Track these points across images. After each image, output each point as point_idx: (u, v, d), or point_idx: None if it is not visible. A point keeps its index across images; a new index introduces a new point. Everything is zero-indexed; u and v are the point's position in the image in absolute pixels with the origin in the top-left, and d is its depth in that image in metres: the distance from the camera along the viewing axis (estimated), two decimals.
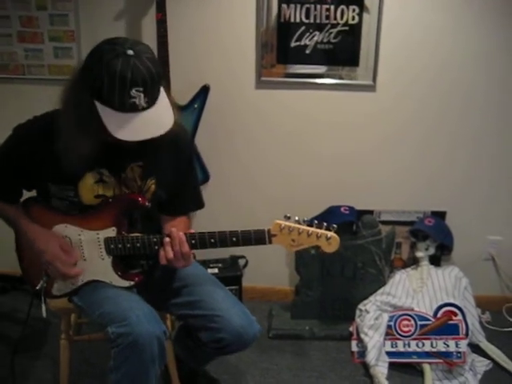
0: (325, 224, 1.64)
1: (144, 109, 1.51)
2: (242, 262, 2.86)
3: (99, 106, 1.50)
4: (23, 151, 1.70)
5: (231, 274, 2.74)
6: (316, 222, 1.64)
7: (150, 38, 2.41)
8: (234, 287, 2.73)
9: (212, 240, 1.68)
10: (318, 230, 1.63)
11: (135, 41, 1.53)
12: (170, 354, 2.12)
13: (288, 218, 1.65)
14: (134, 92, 1.47)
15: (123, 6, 2.51)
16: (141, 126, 1.50)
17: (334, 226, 1.64)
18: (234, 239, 1.67)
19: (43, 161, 1.67)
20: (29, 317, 1.87)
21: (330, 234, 1.62)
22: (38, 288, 1.80)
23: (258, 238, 1.66)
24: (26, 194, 1.86)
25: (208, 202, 2.75)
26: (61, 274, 1.74)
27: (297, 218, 1.65)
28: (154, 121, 1.53)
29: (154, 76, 1.50)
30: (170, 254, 1.67)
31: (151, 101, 1.52)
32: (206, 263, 2.76)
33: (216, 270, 2.73)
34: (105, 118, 1.50)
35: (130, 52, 1.47)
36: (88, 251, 1.77)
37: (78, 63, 1.58)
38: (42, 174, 1.72)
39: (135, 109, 1.49)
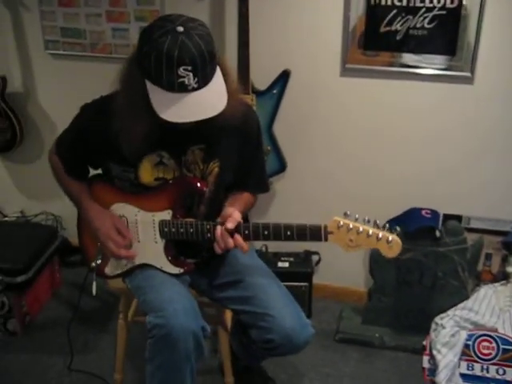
0: (387, 225, 1.51)
1: (194, 89, 1.43)
2: (315, 258, 2.72)
3: (149, 86, 1.46)
4: (87, 130, 1.72)
5: (302, 270, 2.61)
6: (377, 222, 1.51)
7: (231, 19, 2.33)
8: (303, 284, 2.59)
9: (265, 232, 1.60)
10: (379, 232, 1.50)
11: (190, 18, 1.46)
12: (225, 348, 2.07)
13: (347, 216, 1.53)
14: (181, 71, 1.40)
15: None
16: (188, 107, 1.44)
17: (397, 228, 1.52)
18: (289, 233, 1.58)
19: (105, 141, 1.67)
20: (81, 293, 1.91)
21: (391, 236, 1.50)
22: (92, 265, 1.82)
23: (314, 234, 1.57)
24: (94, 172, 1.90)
25: (281, 194, 2.69)
26: (112, 254, 1.75)
27: (357, 216, 1.53)
28: (203, 103, 1.45)
29: (204, 54, 1.42)
30: (219, 251, 1.64)
31: (202, 81, 1.44)
32: (277, 256, 2.66)
33: (287, 264, 2.63)
34: (153, 97, 1.45)
35: (180, 29, 1.40)
36: (143, 233, 1.76)
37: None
38: (105, 154, 1.73)
39: (185, 89, 1.43)
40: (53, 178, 2.97)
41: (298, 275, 2.58)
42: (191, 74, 1.41)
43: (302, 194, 2.66)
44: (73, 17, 2.63)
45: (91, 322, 2.58)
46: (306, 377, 2.29)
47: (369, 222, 1.51)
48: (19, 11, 2.71)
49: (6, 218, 3.09)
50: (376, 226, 1.51)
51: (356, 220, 1.53)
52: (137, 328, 2.13)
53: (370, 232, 1.50)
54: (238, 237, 1.60)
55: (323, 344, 2.47)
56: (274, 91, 2.42)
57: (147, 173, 1.71)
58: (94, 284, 1.83)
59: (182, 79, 1.41)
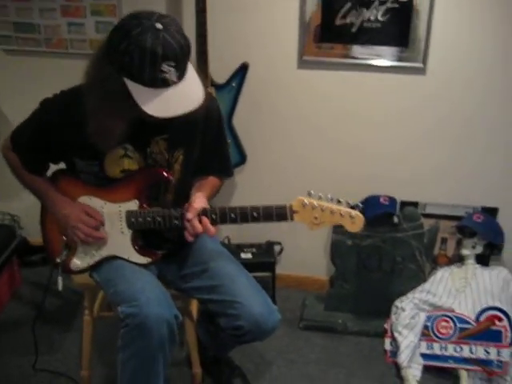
0: (350, 202, 1.57)
1: (174, 83, 1.45)
2: (277, 248, 2.77)
3: (128, 83, 1.45)
4: (49, 125, 1.69)
5: (265, 260, 2.64)
6: (340, 199, 1.57)
7: (188, 12, 2.34)
8: (267, 274, 2.63)
9: (232, 215, 1.63)
10: (342, 208, 1.57)
11: (161, 14, 1.47)
12: (192, 338, 2.08)
13: (311, 195, 1.58)
14: (164, 67, 1.41)
15: None
16: (173, 100, 1.46)
17: (360, 205, 1.60)
18: (255, 214, 1.61)
19: (69, 135, 1.66)
20: (46, 290, 1.88)
21: (354, 212, 1.57)
22: (57, 261, 1.80)
23: (280, 213, 1.61)
24: (54, 167, 1.86)
25: (241, 186, 2.71)
26: (85, 236, 1.72)
27: (320, 195, 1.58)
28: (186, 95, 1.48)
29: (184, 49, 1.44)
30: (190, 238, 1.64)
31: (181, 75, 1.46)
32: (240, 247, 2.69)
33: (250, 255, 2.65)
34: (135, 94, 1.45)
35: (159, 26, 1.41)
36: (109, 224, 1.76)
37: (100, 39, 1.54)
38: (68, 149, 1.72)
39: (166, 84, 1.44)
40: (7, 177, 2.90)
41: (262, 265, 2.61)
42: (173, 70, 1.42)
43: (261, 185, 2.69)
44: (26, 11, 2.58)
45: (55, 320, 2.54)
46: (273, 364, 2.33)
47: (332, 199, 1.57)
48: None
49: None
50: (339, 202, 1.56)
51: (319, 198, 1.57)
52: (100, 324, 2.12)
53: (334, 209, 1.55)
54: (205, 220, 1.61)
55: (288, 332, 2.51)
56: (233, 84, 2.45)
57: (113, 166, 1.70)
58: (60, 279, 1.80)
59: (164, 75, 1.42)
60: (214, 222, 1.63)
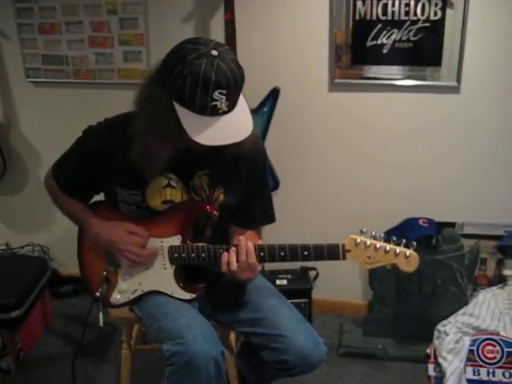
0: (404, 241, 1.51)
1: (224, 113, 1.42)
2: (312, 273, 2.72)
3: (178, 108, 1.42)
4: (94, 153, 1.66)
5: (301, 287, 2.60)
6: (394, 238, 1.51)
7: (217, 39, 2.31)
8: (303, 300, 2.59)
9: (282, 253, 1.57)
10: (397, 248, 1.50)
11: (218, 42, 1.46)
12: (232, 370, 2.04)
13: (363, 233, 1.52)
14: (216, 94, 1.38)
15: (191, 8, 2.45)
16: (220, 130, 1.42)
17: (414, 243, 1.51)
18: (306, 253, 1.56)
19: (113, 164, 1.64)
20: (86, 325, 1.85)
21: (409, 252, 1.49)
22: (97, 295, 1.77)
23: (331, 253, 1.54)
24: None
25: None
26: (135, 255, 1.67)
27: (373, 233, 1.52)
28: (233, 126, 1.44)
29: (237, 78, 1.41)
30: (234, 266, 1.57)
31: (231, 105, 1.43)
32: (274, 274, 2.65)
33: (285, 282, 2.61)
34: (183, 119, 1.42)
35: (215, 52, 1.39)
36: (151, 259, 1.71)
37: (154, 64, 1.50)
38: (111, 177, 1.69)
39: (215, 112, 1.41)
40: (37, 208, 2.92)
41: (297, 292, 2.57)
42: (224, 98, 1.39)
43: (294, 212, 2.65)
44: (54, 43, 2.60)
45: (89, 353, 2.50)
46: None
47: (385, 238, 1.51)
48: None
49: None
50: (393, 241, 1.50)
51: (372, 237, 1.52)
52: (136, 357, 2.08)
53: (388, 248, 1.49)
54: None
55: (327, 359, 2.42)
56: (265, 109, 2.43)
57: (155, 195, 1.67)
58: (101, 315, 1.77)
59: (215, 102, 1.39)
60: (262, 260, 1.58)
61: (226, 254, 1.59)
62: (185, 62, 1.38)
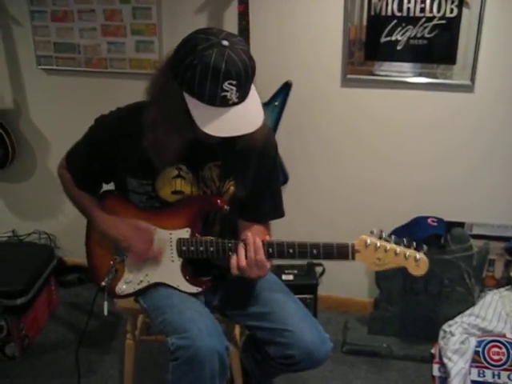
0: (414, 243, 1.49)
1: (234, 104, 1.40)
2: (318, 269, 2.70)
3: (188, 98, 1.41)
4: (105, 142, 1.66)
5: (307, 283, 2.59)
6: (405, 240, 1.49)
7: (231, 31, 2.30)
8: (308, 296, 2.57)
9: (290, 250, 1.56)
10: (407, 250, 1.48)
11: (229, 32, 1.44)
12: (236, 365, 2.03)
13: (373, 234, 1.50)
14: (226, 85, 1.36)
15: None
16: (229, 121, 1.40)
17: (424, 246, 1.49)
18: (315, 252, 1.54)
19: (124, 153, 1.63)
20: (91, 314, 1.85)
21: (419, 255, 1.47)
22: (103, 284, 1.76)
23: (341, 252, 1.53)
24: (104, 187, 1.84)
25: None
26: (141, 252, 1.68)
27: (384, 235, 1.50)
28: (244, 117, 1.42)
29: (248, 70, 1.39)
30: (243, 262, 1.56)
31: (242, 96, 1.41)
32: (280, 268, 2.63)
33: (291, 277, 2.60)
34: (193, 110, 1.40)
35: (225, 43, 1.37)
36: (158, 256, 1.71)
37: (166, 54, 1.49)
38: (122, 166, 1.68)
39: (225, 103, 1.39)
40: (43, 196, 2.92)
41: (303, 287, 2.55)
42: (234, 89, 1.37)
43: (303, 205, 2.64)
44: (66, 31, 2.59)
45: (93, 342, 2.50)
46: None
47: (395, 239, 1.49)
48: (10, 27, 2.66)
49: None
50: (403, 244, 1.48)
51: (383, 238, 1.50)
52: (140, 347, 2.09)
53: (398, 250, 1.47)
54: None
55: (331, 357, 2.41)
56: (276, 103, 2.41)
57: (165, 186, 1.66)
58: (106, 304, 1.77)
59: (224, 93, 1.37)
60: (270, 256, 1.56)
61: (234, 256, 1.57)
62: (195, 52, 1.37)
